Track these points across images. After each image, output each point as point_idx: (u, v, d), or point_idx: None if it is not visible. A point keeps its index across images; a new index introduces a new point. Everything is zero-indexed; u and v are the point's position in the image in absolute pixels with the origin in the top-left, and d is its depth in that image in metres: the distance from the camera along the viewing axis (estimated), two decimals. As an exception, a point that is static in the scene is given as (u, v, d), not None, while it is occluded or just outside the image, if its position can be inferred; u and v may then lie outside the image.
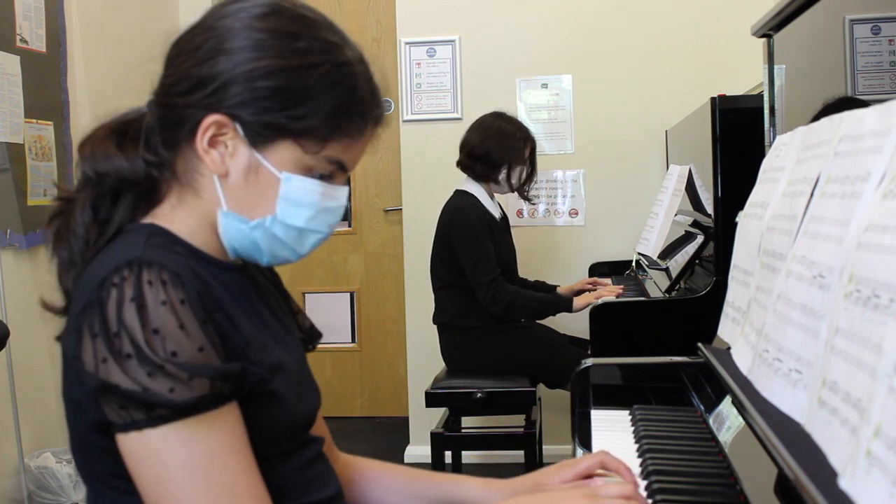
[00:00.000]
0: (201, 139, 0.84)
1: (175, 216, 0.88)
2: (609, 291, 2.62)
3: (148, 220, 0.88)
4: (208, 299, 0.81)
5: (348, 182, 0.93)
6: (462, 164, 2.75)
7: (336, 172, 0.88)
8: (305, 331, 1.08)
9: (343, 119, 0.85)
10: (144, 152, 0.89)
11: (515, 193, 2.82)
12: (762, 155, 1.22)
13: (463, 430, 2.77)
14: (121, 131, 0.91)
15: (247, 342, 0.84)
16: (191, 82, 0.84)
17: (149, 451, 0.76)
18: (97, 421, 0.78)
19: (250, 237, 0.87)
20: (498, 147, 2.67)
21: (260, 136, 0.84)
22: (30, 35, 2.66)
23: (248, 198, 0.86)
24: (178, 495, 0.76)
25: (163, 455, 0.76)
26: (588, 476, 0.96)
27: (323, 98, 0.83)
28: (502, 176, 2.70)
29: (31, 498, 2.48)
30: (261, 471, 0.83)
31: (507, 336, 2.68)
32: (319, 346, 1.10)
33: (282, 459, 0.89)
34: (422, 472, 1.09)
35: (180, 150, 0.87)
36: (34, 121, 2.67)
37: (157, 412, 0.75)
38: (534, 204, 3.20)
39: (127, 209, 0.89)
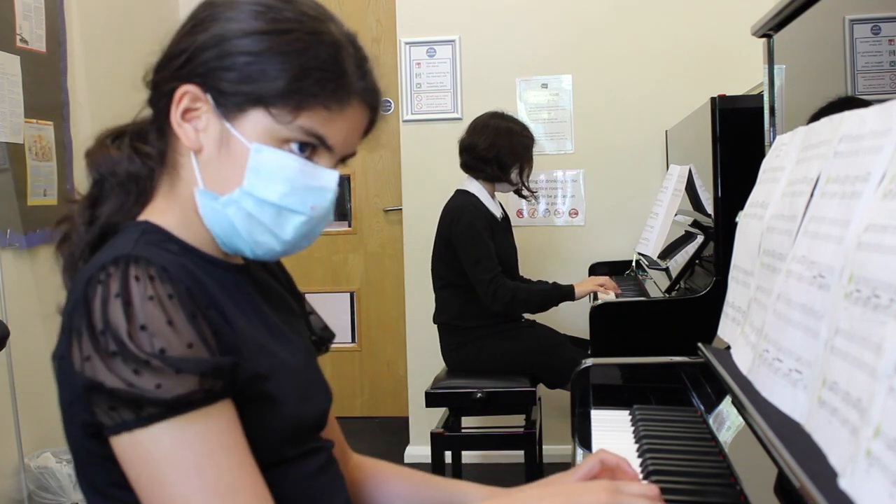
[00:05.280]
0: (175, 112, 0.84)
1: (167, 209, 0.88)
2: (612, 287, 2.64)
3: (143, 216, 0.88)
4: (200, 295, 0.79)
5: (341, 171, 0.87)
6: (468, 167, 2.74)
7: (320, 150, 0.84)
8: (317, 332, 1.07)
9: (314, 85, 0.81)
10: (137, 144, 0.88)
11: (513, 192, 2.82)
12: (762, 155, 1.22)
13: (463, 430, 2.77)
14: (121, 132, 0.91)
15: (242, 341, 0.83)
16: (168, 57, 0.85)
17: (141, 451, 0.74)
18: (87, 423, 0.77)
19: (225, 216, 0.83)
20: (509, 148, 2.67)
21: (231, 105, 0.82)
22: (30, 35, 2.66)
23: (221, 173, 0.83)
24: (172, 496, 0.74)
25: (155, 455, 0.74)
26: (594, 477, 0.93)
27: (291, 61, 0.80)
28: (514, 176, 2.71)
29: (31, 498, 2.48)
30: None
31: (507, 336, 2.68)
32: (320, 346, 1.11)
33: (285, 467, 0.87)
34: (426, 477, 1.08)
35: (168, 136, 0.87)
36: (34, 121, 2.67)
37: (147, 411, 0.73)
38: (535, 195, 3.11)
39: (112, 206, 0.88)
